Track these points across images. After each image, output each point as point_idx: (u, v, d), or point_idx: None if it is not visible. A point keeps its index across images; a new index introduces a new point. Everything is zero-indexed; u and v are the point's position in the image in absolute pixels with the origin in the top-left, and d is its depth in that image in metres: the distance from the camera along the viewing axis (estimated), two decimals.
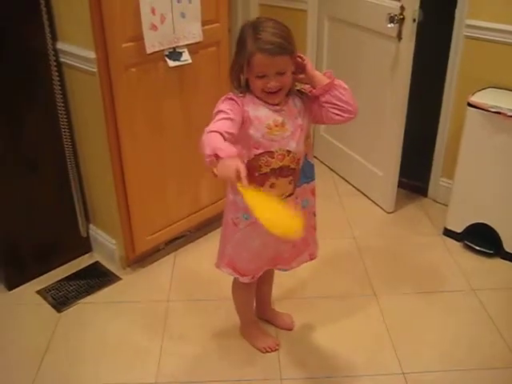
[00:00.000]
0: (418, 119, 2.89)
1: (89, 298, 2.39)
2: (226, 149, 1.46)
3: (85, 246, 2.65)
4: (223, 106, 1.61)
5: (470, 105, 2.50)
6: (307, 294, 2.39)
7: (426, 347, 2.12)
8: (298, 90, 1.74)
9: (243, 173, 1.42)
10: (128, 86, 2.16)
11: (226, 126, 1.53)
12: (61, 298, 2.38)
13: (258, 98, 1.67)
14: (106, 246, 2.58)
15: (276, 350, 2.09)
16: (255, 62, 1.57)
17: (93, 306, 2.35)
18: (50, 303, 2.36)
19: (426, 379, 1.98)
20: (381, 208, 3.05)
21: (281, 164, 1.69)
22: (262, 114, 1.65)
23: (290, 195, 1.78)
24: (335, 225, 2.90)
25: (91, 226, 2.64)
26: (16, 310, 2.33)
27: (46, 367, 2.04)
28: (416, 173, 3.17)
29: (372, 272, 2.54)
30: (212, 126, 1.53)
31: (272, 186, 1.72)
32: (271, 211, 1.49)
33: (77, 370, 2.04)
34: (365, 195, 3.19)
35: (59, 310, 2.32)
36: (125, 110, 2.20)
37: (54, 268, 2.55)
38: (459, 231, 2.73)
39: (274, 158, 1.68)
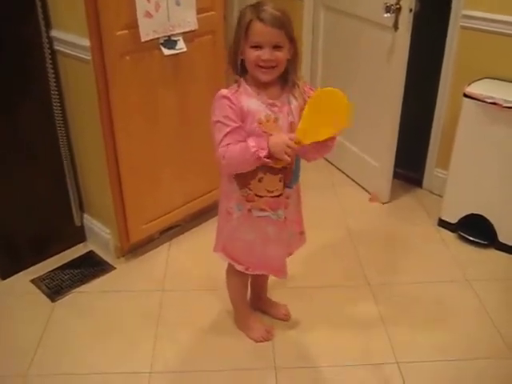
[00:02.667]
0: (414, 110, 2.89)
1: (83, 288, 2.38)
2: (257, 145, 1.60)
3: (79, 236, 2.64)
4: (219, 113, 1.64)
5: (465, 95, 2.50)
6: (301, 284, 2.39)
7: (419, 337, 2.12)
8: (298, 87, 1.71)
9: (289, 142, 1.58)
10: (122, 74, 2.15)
11: (233, 140, 1.63)
12: (55, 288, 2.38)
13: (251, 86, 1.66)
14: (100, 235, 2.57)
15: (270, 339, 2.09)
16: (252, 30, 1.57)
17: (87, 296, 2.35)
18: (44, 292, 2.35)
19: (420, 369, 1.99)
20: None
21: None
22: (254, 108, 1.64)
23: (280, 195, 1.77)
24: (330, 215, 2.90)
25: (85, 215, 2.63)
26: (10, 299, 2.32)
27: (41, 356, 2.04)
28: (411, 163, 3.17)
29: (366, 262, 2.54)
30: (221, 146, 1.64)
31: (260, 180, 1.73)
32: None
33: (71, 358, 2.04)
34: (360, 186, 3.18)
35: (53, 300, 2.31)
36: (119, 99, 2.18)
37: (49, 257, 2.54)
38: (454, 222, 2.74)
39: None
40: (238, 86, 1.67)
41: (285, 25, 1.58)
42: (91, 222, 2.61)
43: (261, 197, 1.75)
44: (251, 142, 1.62)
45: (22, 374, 1.96)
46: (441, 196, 2.87)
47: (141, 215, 2.48)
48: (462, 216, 2.70)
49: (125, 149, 2.28)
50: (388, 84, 2.79)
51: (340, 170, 3.35)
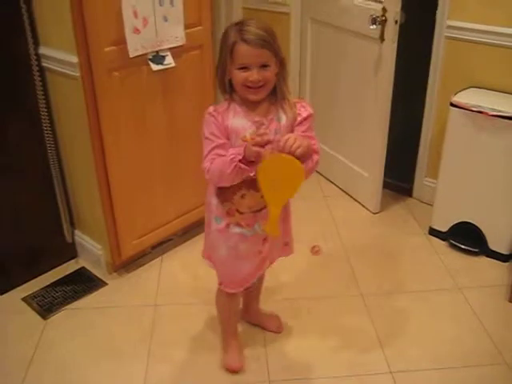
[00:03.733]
0: (402, 120, 2.92)
1: (75, 304, 2.37)
2: (235, 152, 1.57)
3: (70, 252, 2.63)
4: (206, 129, 1.64)
5: (452, 105, 2.53)
6: (294, 295, 2.39)
7: (413, 346, 2.13)
8: (288, 100, 1.67)
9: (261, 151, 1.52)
10: (111, 90, 2.15)
11: (218, 156, 1.62)
12: (46, 305, 2.36)
13: (240, 105, 1.64)
14: (91, 251, 2.56)
15: (236, 372, 2.02)
16: (238, 52, 1.55)
17: (79, 312, 2.33)
18: (35, 310, 2.33)
19: (415, 378, 1.99)
20: (366, 209, 3.07)
21: (252, 176, 1.61)
22: (239, 125, 1.63)
23: (261, 209, 1.73)
24: (321, 226, 2.91)
25: (76, 231, 2.62)
26: (1, 318, 2.30)
27: (32, 376, 2.02)
28: (401, 173, 3.20)
29: (358, 272, 2.55)
30: (206, 161, 1.64)
31: (243, 196, 1.71)
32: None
33: (64, 376, 2.02)
34: (350, 196, 3.20)
35: (45, 317, 2.30)
36: (108, 114, 2.19)
37: (40, 274, 2.53)
38: (444, 230, 2.75)
39: None
40: (228, 104, 1.66)
41: (270, 43, 1.56)
42: (82, 238, 2.60)
43: (241, 213, 1.74)
44: (231, 151, 1.60)
45: None
46: (431, 205, 2.88)
47: (132, 230, 2.48)
48: (452, 224, 2.72)
49: (115, 164, 2.28)
50: (376, 95, 2.81)
51: (330, 180, 3.37)
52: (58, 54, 2.16)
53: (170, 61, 2.26)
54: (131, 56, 2.13)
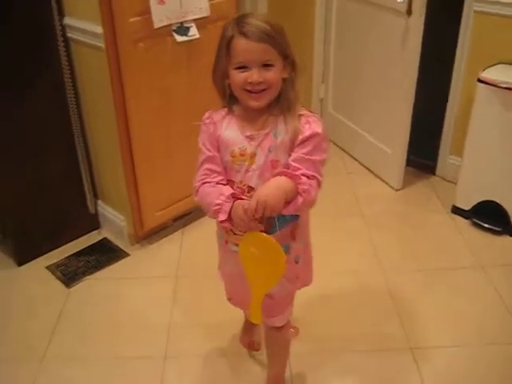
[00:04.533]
0: (427, 96, 2.87)
1: (97, 274, 2.41)
2: (224, 200, 1.36)
3: (93, 223, 2.66)
4: (200, 138, 1.45)
5: (480, 81, 2.48)
6: (315, 270, 2.38)
7: (433, 323, 2.12)
8: (292, 115, 1.39)
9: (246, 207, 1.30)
10: (136, 60, 2.15)
11: (209, 171, 1.42)
12: (70, 274, 2.40)
13: (238, 114, 1.42)
14: (114, 222, 2.59)
15: (254, 350, 2.00)
16: (235, 48, 1.31)
17: (102, 282, 2.37)
18: (59, 279, 2.38)
19: (434, 354, 1.99)
20: (389, 186, 3.04)
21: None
22: (230, 137, 1.41)
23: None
24: (343, 202, 2.90)
25: (99, 202, 2.65)
26: (26, 286, 2.35)
27: (56, 342, 2.07)
28: (424, 150, 3.15)
29: (380, 249, 2.54)
30: (197, 177, 1.45)
31: None
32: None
33: (86, 344, 2.06)
34: (373, 173, 3.17)
35: (68, 286, 2.34)
36: (132, 85, 2.19)
37: (63, 244, 2.57)
38: (467, 209, 2.72)
39: (233, 189, 1.42)
40: (226, 112, 1.44)
41: (274, 38, 1.31)
42: (105, 209, 2.63)
43: (235, 234, 1.48)
44: (225, 192, 1.37)
45: (39, 357, 1.99)
46: (454, 183, 2.85)
47: (155, 202, 2.50)
48: (475, 203, 2.68)
49: (138, 136, 2.29)
50: (402, 70, 2.76)
51: (353, 157, 3.34)
52: (82, 24, 2.16)
53: (194, 32, 2.25)
54: (156, 27, 2.12)
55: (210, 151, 1.43)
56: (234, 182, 1.43)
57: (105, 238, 2.63)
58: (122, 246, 2.56)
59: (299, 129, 1.36)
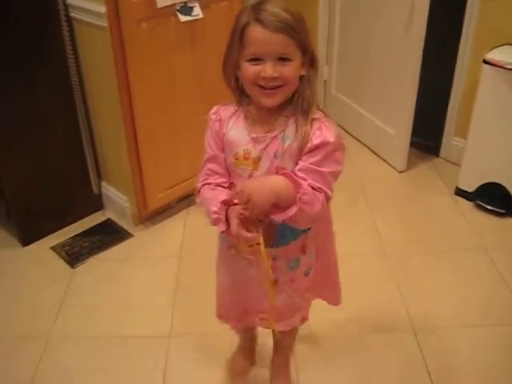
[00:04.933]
0: (432, 77, 2.85)
1: (102, 255, 2.42)
2: (220, 215, 1.26)
3: (97, 204, 2.67)
4: (206, 133, 1.37)
5: (485, 62, 2.46)
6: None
7: (437, 305, 2.13)
8: (305, 119, 1.25)
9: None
10: (139, 40, 2.14)
11: (211, 172, 1.34)
12: (74, 254, 2.41)
13: (247, 112, 1.31)
14: (118, 203, 2.59)
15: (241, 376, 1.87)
16: (249, 36, 1.18)
17: (106, 262, 2.38)
18: (63, 259, 2.39)
19: (437, 336, 1.99)
20: (392, 167, 3.04)
21: None
22: (235, 138, 1.30)
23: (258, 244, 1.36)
24: (346, 184, 2.88)
25: (103, 183, 2.65)
26: (31, 266, 2.37)
27: (61, 321, 2.09)
28: (428, 132, 3.14)
29: (383, 231, 2.54)
30: (200, 177, 1.37)
31: None
32: None
33: (91, 323, 2.08)
34: (376, 154, 3.17)
35: (73, 266, 2.35)
36: (136, 65, 2.18)
37: (68, 225, 2.58)
38: (471, 191, 2.72)
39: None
40: (236, 109, 1.33)
41: (295, 29, 1.16)
42: (109, 190, 2.63)
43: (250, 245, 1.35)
44: (220, 198, 1.27)
45: (45, 336, 2.01)
46: (458, 165, 2.84)
47: (158, 183, 2.50)
48: (479, 185, 2.68)
49: (142, 116, 2.29)
50: (406, 49, 2.74)
51: (356, 138, 3.33)
52: (85, 3, 2.15)
53: (198, 12, 2.23)
54: (159, 6, 2.11)
55: (213, 150, 1.34)
56: (236, 186, 1.32)
57: (108, 219, 2.63)
58: (125, 227, 2.57)
59: (309, 135, 1.22)
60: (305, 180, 1.20)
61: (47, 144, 2.39)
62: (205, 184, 1.34)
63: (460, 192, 2.77)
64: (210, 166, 1.34)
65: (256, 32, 1.17)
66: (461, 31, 2.77)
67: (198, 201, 1.38)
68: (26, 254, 2.43)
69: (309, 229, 1.38)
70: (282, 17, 1.15)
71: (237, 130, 1.30)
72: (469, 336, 2.00)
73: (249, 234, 1.22)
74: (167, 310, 2.11)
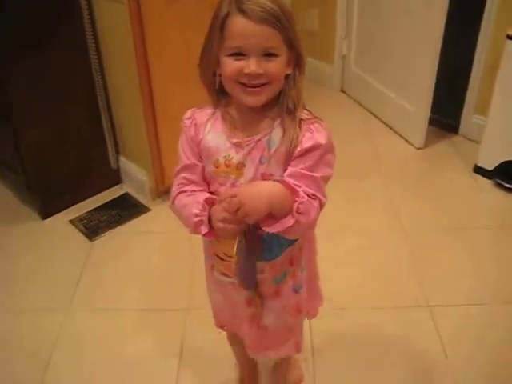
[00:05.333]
0: (453, 52, 2.80)
1: (120, 228, 2.44)
2: (202, 211, 1.14)
3: (115, 178, 2.68)
4: (180, 139, 1.24)
5: (509, 37, 2.41)
6: (333, 227, 2.37)
7: (452, 281, 2.13)
8: (292, 121, 1.12)
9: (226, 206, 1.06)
10: (158, 14, 2.12)
11: (186, 181, 1.21)
12: (93, 228, 2.44)
13: (226, 114, 1.17)
14: (135, 177, 2.61)
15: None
16: (230, 28, 1.05)
17: (124, 236, 2.41)
18: (82, 232, 2.42)
19: (452, 312, 2.00)
20: (410, 144, 3.01)
21: None
22: (213, 144, 1.16)
23: None
24: (363, 160, 2.88)
25: (121, 157, 2.66)
26: (50, 239, 2.40)
27: (80, 294, 2.12)
28: (447, 109, 3.11)
29: (400, 207, 2.53)
30: (174, 186, 1.25)
31: (218, 240, 1.24)
32: None
33: (109, 296, 2.11)
34: (394, 130, 3.14)
35: (91, 239, 2.38)
36: (154, 40, 2.17)
37: (86, 198, 2.60)
38: (490, 169, 2.69)
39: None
40: (213, 111, 1.20)
41: (281, 21, 1.04)
42: (127, 165, 2.65)
43: (221, 259, 1.28)
44: (201, 199, 1.15)
45: (65, 307, 2.05)
46: (477, 142, 2.81)
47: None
48: (498, 163, 2.65)
49: (160, 90, 2.28)
50: (427, 23, 2.69)
51: (373, 114, 3.30)
52: None
53: None
54: None
55: (189, 159, 1.20)
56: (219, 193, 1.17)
57: (126, 193, 2.65)
58: (143, 201, 2.58)
59: (298, 138, 1.10)
60: (298, 186, 1.08)
61: (66, 118, 2.40)
62: (180, 192, 1.22)
63: (479, 170, 2.75)
64: (185, 175, 1.22)
65: (238, 23, 1.03)
66: (484, 6, 2.72)
67: (174, 212, 1.26)
68: (46, 228, 2.46)
69: (297, 239, 1.26)
70: (268, 7, 1.02)
71: (215, 135, 1.17)
72: (482, 312, 1.99)
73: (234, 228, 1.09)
74: (185, 284, 2.13)
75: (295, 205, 1.06)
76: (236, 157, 1.14)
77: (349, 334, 1.94)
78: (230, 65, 1.07)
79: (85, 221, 2.48)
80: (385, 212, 2.52)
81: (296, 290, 1.33)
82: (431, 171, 2.82)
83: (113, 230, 2.43)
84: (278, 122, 1.12)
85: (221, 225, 1.09)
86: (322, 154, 1.11)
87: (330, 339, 1.91)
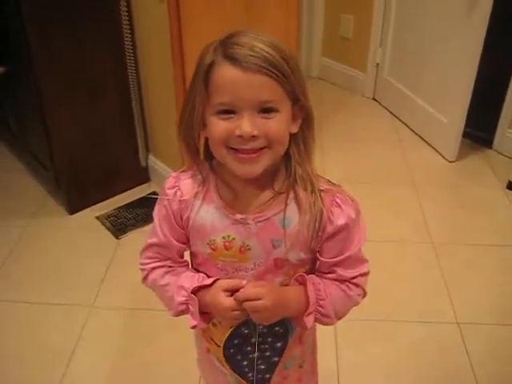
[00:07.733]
0: (491, 64, 2.74)
1: (146, 227, 2.43)
2: (190, 306, 0.99)
3: (143, 176, 2.68)
4: (156, 209, 1.03)
5: None
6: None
7: (482, 299, 2.08)
8: (308, 190, 0.93)
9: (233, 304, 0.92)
10: (197, 15, 2.10)
11: (160, 256, 1.05)
12: (119, 225, 2.43)
13: (219, 186, 0.96)
14: (164, 177, 2.57)
15: None
16: (216, 81, 0.85)
17: None
18: (108, 229, 2.42)
19: (480, 331, 1.95)
20: (442, 156, 2.96)
21: None
22: (208, 222, 0.95)
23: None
24: (394, 171, 2.84)
25: (150, 156, 2.66)
26: (77, 234, 2.40)
27: (105, 291, 2.11)
28: (482, 123, 3.04)
29: (430, 220, 2.48)
30: (142, 259, 1.09)
31: (214, 324, 1.07)
32: None
33: (135, 293, 2.09)
34: (426, 142, 3.09)
35: (117, 237, 2.38)
36: (192, 40, 2.13)
37: (114, 195, 2.60)
38: None
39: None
40: (202, 182, 0.97)
41: (281, 68, 0.83)
42: (156, 164, 2.64)
43: (218, 345, 1.09)
44: (185, 284, 0.98)
45: (89, 304, 2.05)
46: None
47: None
48: None
49: None
50: (467, 34, 2.63)
51: (406, 124, 3.25)
52: None
53: None
54: None
55: (166, 236, 0.99)
56: (218, 279, 0.97)
57: (154, 192, 2.64)
58: None
59: (321, 213, 0.91)
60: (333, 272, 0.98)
61: (98, 113, 2.40)
62: (154, 268, 1.04)
63: None
64: (158, 250, 1.03)
65: (226, 73, 0.83)
66: None
67: (146, 284, 1.11)
68: (73, 223, 2.47)
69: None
70: (263, 51, 0.82)
71: (208, 211, 0.95)
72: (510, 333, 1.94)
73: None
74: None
75: (318, 308, 0.97)
76: (238, 237, 0.94)
77: (374, 344, 1.90)
78: (218, 126, 0.85)
79: (112, 218, 2.48)
80: (415, 223, 2.47)
81: (301, 366, 1.17)
82: (463, 185, 2.76)
83: (139, 229, 2.42)
84: (292, 196, 0.92)
85: (222, 313, 0.94)
86: (356, 227, 0.97)
87: (356, 348, 1.89)
